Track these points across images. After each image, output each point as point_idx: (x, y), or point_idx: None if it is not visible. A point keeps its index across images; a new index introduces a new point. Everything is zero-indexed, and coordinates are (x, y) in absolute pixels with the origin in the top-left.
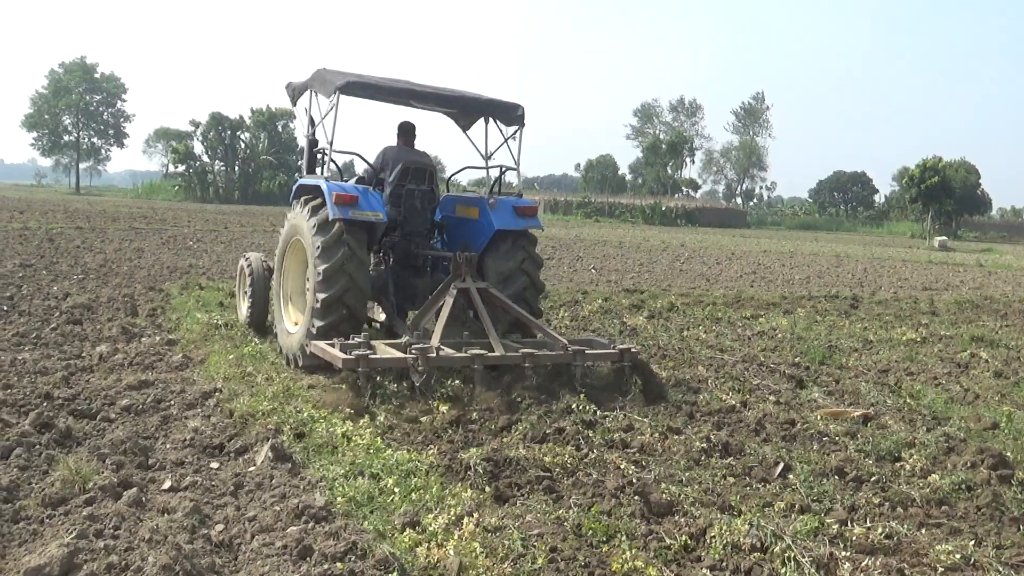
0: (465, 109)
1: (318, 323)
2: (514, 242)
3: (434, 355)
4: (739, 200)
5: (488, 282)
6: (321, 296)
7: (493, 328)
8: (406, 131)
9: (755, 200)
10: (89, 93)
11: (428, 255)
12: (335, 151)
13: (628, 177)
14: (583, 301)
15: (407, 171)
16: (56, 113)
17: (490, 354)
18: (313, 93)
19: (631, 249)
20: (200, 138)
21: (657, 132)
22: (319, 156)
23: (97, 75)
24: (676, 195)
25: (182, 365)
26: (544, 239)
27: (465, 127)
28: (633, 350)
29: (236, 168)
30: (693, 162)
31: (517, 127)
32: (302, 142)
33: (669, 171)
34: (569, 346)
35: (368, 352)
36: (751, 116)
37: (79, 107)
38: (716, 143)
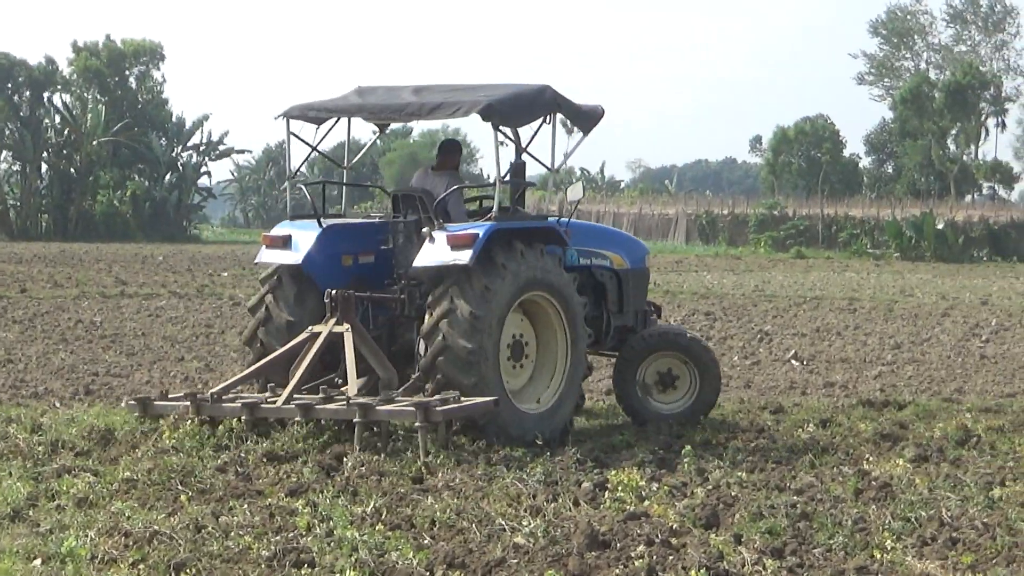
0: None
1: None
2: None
3: (208, 403)
4: None
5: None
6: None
7: (353, 374)
8: (442, 151)
9: None
10: None
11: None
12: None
13: (863, 163)
14: (772, 425)
15: (396, 201)
16: None
17: (264, 406)
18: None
19: (873, 314)
20: None
21: (923, 66)
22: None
23: None
24: (966, 198)
25: None
26: (687, 295)
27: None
28: (438, 408)
29: (44, 171)
30: (1003, 127)
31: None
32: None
33: (952, 146)
34: (352, 400)
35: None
36: None
37: None
38: None
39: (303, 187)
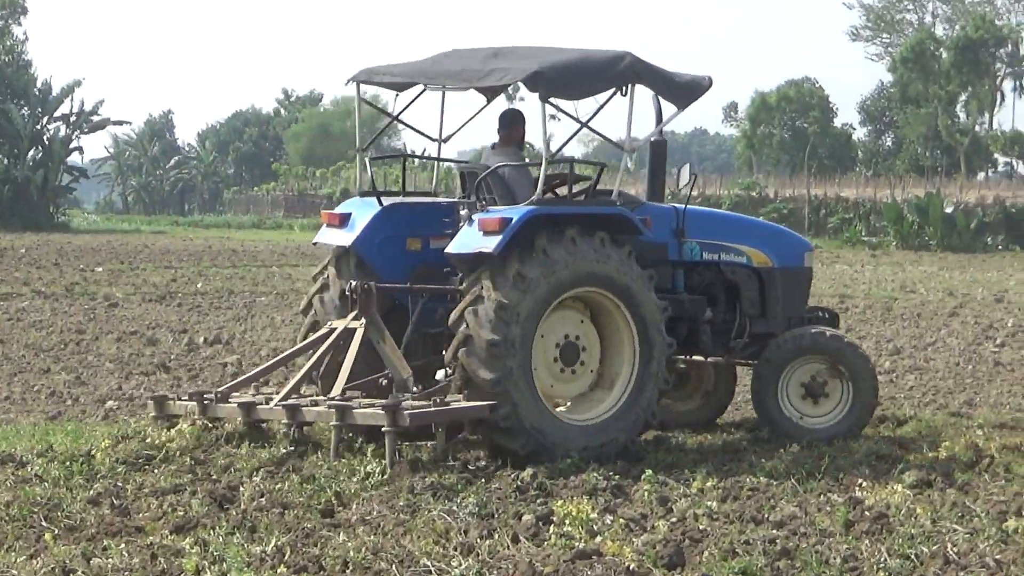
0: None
1: None
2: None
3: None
4: None
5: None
6: None
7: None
8: (502, 124)
9: None
10: None
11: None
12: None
13: (857, 135)
14: (748, 445)
15: (463, 179)
16: None
17: (259, 407)
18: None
19: (869, 313)
20: None
21: (928, 19)
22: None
23: None
24: (979, 175)
25: None
26: None
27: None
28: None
29: None
30: (1021, 92)
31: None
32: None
33: (962, 114)
34: (332, 400)
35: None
36: None
37: None
38: None
39: (360, 162)
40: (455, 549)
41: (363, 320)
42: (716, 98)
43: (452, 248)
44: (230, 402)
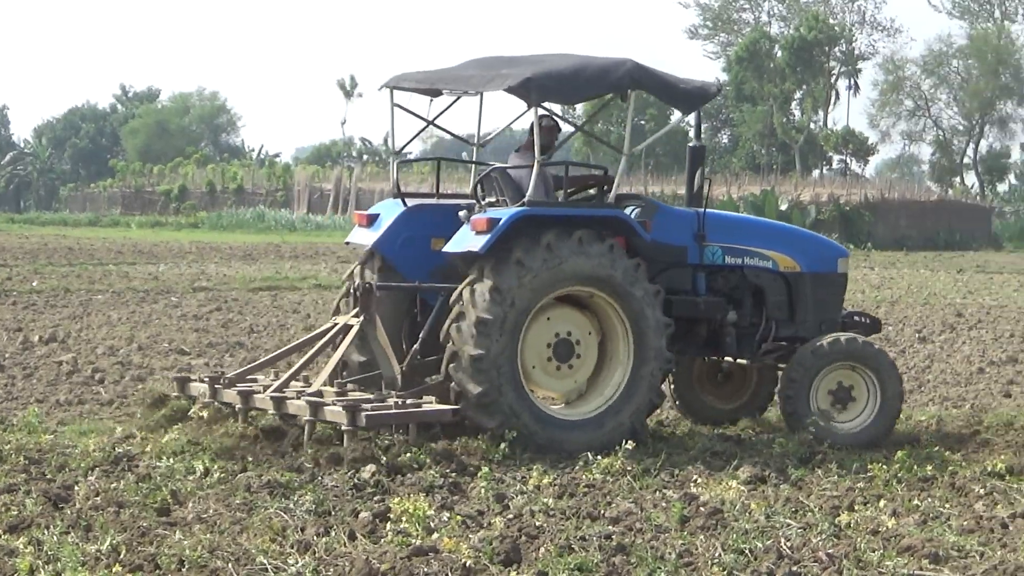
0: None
1: None
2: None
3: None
4: (974, 179)
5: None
6: None
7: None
8: (531, 130)
9: (1012, 179)
10: None
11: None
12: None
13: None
14: None
15: (481, 184)
16: None
17: (256, 395)
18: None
19: None
20: None
21: (764, 18)
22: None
23: None
24: (814, 173)
25: None
26: None
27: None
28: (365, 413)
29: None
30: (855, 90)
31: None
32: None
33: (797, 112)
34: (302, 394)
35: None
36: None
37: None
38: (910, 43)
39: (393, 165)
40: (292, 547)
41: (360, 318)
42: None
43: (448, 247)
44: (233, 388)
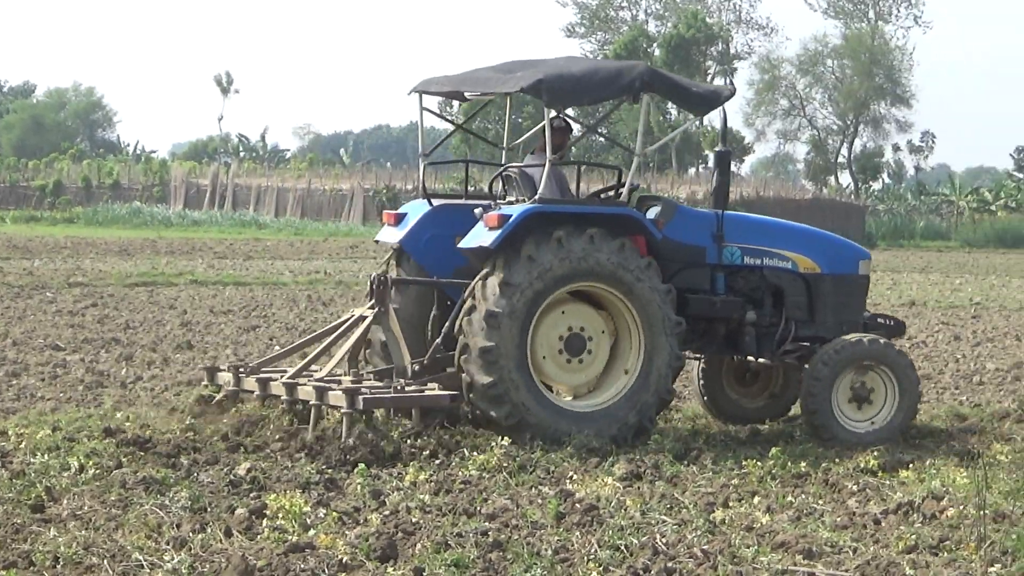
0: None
1: None
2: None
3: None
4: (849, 178)
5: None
6: None
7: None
8: (544, 130)
9: (886, 178)
10: None
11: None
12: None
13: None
14: (461, 439)
15: (501, 182)
16: None
17: (273, 383)
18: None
19: None
20: None
21: (641, 16)
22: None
23: None
24: (690, 171)
25: None
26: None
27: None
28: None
29: None
30: (730, 86)
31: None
32: None
33: (673, 110)
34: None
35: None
36: None
37: None
38: (786, 42)
39: (421, 167)
40: (168, 543)
41: (374, 309)
42: None
43: (463, 243)
44: (253, 376)
